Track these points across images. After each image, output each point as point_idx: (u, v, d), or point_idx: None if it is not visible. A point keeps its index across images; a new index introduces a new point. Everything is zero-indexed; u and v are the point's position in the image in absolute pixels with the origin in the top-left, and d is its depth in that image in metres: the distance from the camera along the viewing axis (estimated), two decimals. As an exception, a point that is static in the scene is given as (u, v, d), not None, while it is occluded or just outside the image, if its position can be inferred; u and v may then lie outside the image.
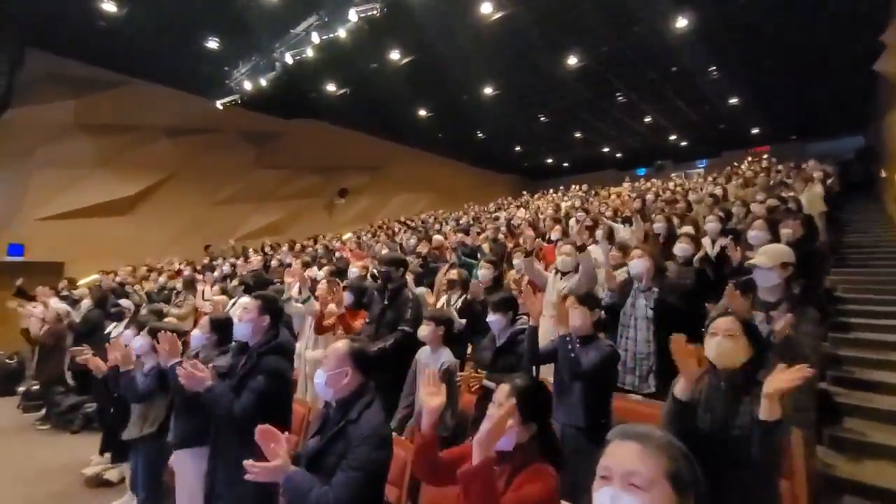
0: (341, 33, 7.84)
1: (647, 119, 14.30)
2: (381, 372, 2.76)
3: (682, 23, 8.39)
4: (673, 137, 16.35)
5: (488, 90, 11.83)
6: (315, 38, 8.08)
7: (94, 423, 4.92)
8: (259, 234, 13.09)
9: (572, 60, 10.12)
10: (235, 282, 5.29)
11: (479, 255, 5.06)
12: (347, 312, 3.74)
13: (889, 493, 2.59)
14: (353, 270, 4.92)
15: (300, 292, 3.58)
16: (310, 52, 8.45)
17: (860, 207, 8.83)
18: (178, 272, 7.91)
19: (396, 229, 10.90)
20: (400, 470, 2.11)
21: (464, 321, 3.42)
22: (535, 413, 1.38)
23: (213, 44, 9.29)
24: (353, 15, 7.43)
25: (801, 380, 1.35)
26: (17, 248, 9.73)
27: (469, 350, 3.38)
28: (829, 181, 7.22)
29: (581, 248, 3.48)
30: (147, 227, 11.43)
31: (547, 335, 2.68)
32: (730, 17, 8.27)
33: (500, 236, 6.45)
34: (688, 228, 3.98)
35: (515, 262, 4.12)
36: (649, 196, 8.13)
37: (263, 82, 9.61)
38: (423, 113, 13.58)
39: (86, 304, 5.93)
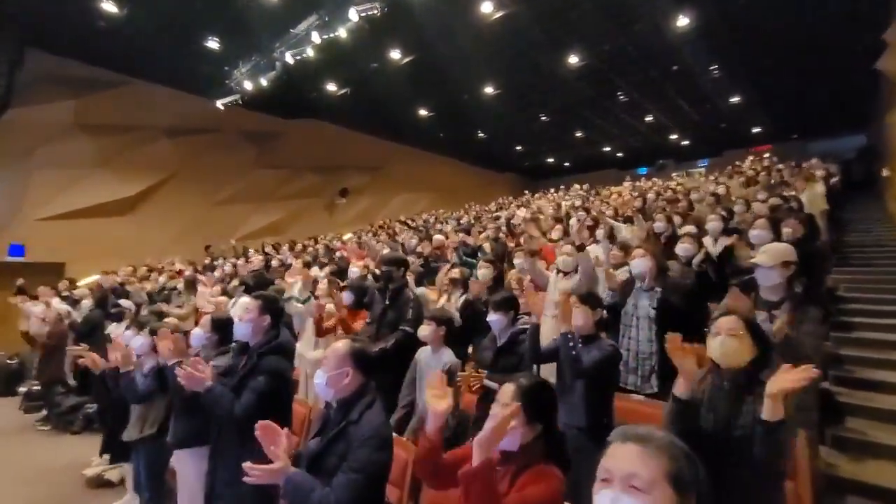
0: (342, 33, 7.84)
1: (649, 118, 14.27)
2: (381, 372, 2.75)
3: (683, 21, 8.37)
4: (674, 137, 16.32)
5: (489, 89, 11.82)
6: (315, 37, 8.07)
7: (95, 423, 4.92)
8: (259, 234, 13.08)
9: (573, 59, 10.10)
10: (235, 282, 5.28)
11: (478, 255, 5.05)
12: (348, 313, 3.73)
13: (892, 493, 2.58)
14: (354, 270, 4.91)
15: (301, 292, 3.57)
16: (310, 52, 8.45)
17: (862, 206, 8.81)
18: (179, 272, 7.90)
19: (397, 229, 10.89)
20: (401, 470, 2.10)
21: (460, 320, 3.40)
22: (540, 413, 1.36)
23: (213, 44, 9.29)
24: (353, 14, 7.43)
25: (806, 380, 1.33)
26: (18, 248, 9.74)
27: (470, 350, 3.37)
28: (833, 180, 7.20)
29: (580, 248, 3.47)
30: (147, 227, 11.43)
31: (549, 334, 2.68)
32: (731, 15, 8.26)
33: (501, 236, 6.43)
34: (689, 228, 3.96)
35: (516, 261, 4.11)
36: (650, 195, 8.11)
37: (264, 82, 9.61)
38: (423, 112, 13.57)
39: (86, 304, 5.93)
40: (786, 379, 1.36)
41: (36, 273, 8.39)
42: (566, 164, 20.39)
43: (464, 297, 3.64)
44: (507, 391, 1.38)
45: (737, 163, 12.38)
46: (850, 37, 8.50)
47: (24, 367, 6.77)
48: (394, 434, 1.78)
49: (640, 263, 2.78)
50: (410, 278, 4.22)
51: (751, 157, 13.26)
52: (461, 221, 9.66)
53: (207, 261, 9.68)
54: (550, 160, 19.83)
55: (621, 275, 3.16)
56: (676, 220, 4.81)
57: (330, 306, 3.66)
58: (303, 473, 1.48)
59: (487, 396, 2.40)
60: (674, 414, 1.57)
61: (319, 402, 2.33)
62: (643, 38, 9.13)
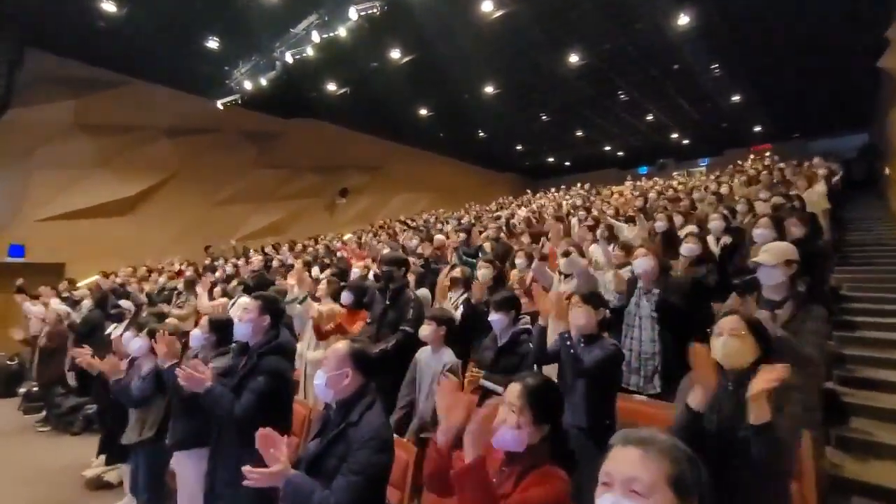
0: (341, 32, 7.82)
1: (649, 117, 14.25)
2: (382, 373, 2.74)
3: (683, 20, 8.35)
4: (674, 136, 16.30)
5: (489, 89, 11.80)
6: (315, 37, 8.05)
7: (95, 424, 4.91)
8: (260, 234, 13.08)
9: (573, 58, 10.08)
10: (235, 282, 5.27)
11: (478, 255, 5.03)
12: (347, 313, 3.71)
13: (897, 494, 2.56)
14: (355, 270, 4.89)
15: (299, 292, 3.56)
16: (310, 52, 8.43)
17: (863, 205, 8.79)
18: (179, 273, 7.89)
19: (398, 229, 10.87)
20: (402, 472, 2.08)
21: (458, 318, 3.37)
22: (547, 414, 1.33)
23: (213, 43, 9.28)
24: (353, 13, 7.41)
25: (776, 380, 1.35)
26: (18, 248, 9.73)
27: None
28: (835, 179, 7.18)
29: (566, 254, 3.46)
30: (148, 227, 11.42)
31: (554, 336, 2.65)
32: (731, 14, 8.24)
33: (502, 236, 6.42)
34: (692, 227, 3.95)
35: (518, 261, 4.09)
36: (652, 194, 8.10)
37: (263, 82, 9.60)
38: (423, 112, 13.55)
39: (86, 304, 5.91)
40: (762, 379, 1.37)
41: (36, 273, 8.40)
42: (566, 163, 20.37)
43: (464, 296, 3.62)
44: (513, 391, 1.35)
45: (738, 162, 12.36)
46: (851, 35, 8.48)
47: (24, 367, 6.77)
48: (394, 435, 1.77)
49: (643, 263, 2.76)
50: (411, 279, 4.20)
51: (752, 156, 13.24)
52: (461, 221, 9.64)
53: (208, 261, 9.67)
54: (551, 160, 19.81)
55: (625, 275, 3.14)
56: (678, 219, 4.79)
57: (327, 307, 3.64)
58: (302, 475, 1.47)
59: (486, 397, 2.38)
60: (684, 424, 1.55)
61: (319, 404, 2.32)
62: (643, 38, 9.11)
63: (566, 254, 3.44)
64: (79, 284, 7.59)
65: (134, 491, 2.92)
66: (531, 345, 2.56)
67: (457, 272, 3.90)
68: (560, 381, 2.28)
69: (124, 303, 5.26)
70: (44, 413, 5.52)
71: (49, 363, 5.38)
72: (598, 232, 4.72)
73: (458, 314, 3.37)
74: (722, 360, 1.59)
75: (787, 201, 5.00)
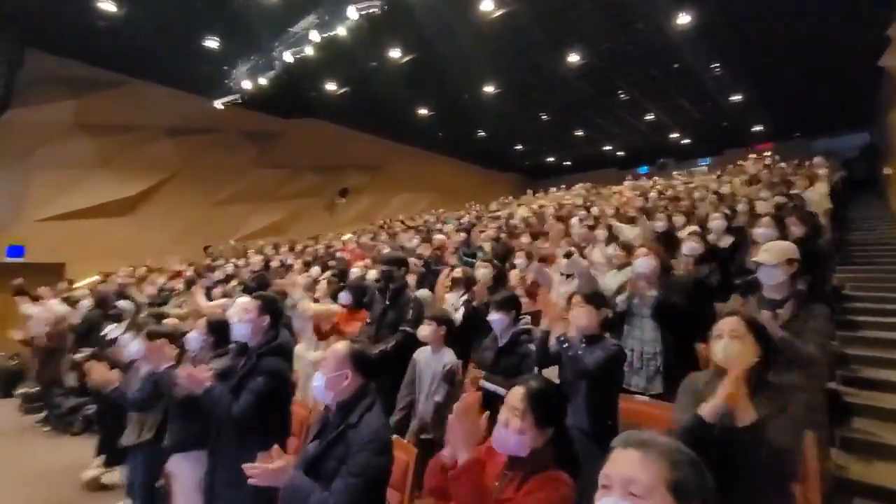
0: (341, 31, 7.81)
1: (649, 117, 14.22)
2: (382, 374, 2.73)
3: (683, 19, 8.32)
4: (675, 135, 16.27)
5: (489, 88, 11.78)
6: (315, 36, 8.04)
7: (95, 425, 4.89)
8: (260, 234, 13.07)
9: (574, 58, 10.06)
10: (234, 282, 5.26)
11: (477, 255, 5.02)
12: (346, 313, 3.70)
13: (901, 495, 2.54)
14: (354, 271, 4.88)
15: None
16: (310, 51, 8.42)
17: (864, 205, 8.77)
18: (179, 273, 7.87)
19: (398, 229, 10.85)
20: (402, 473, 2.07)
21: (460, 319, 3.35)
22: (550, 417, 1.31)
23: (212, 43, 9.26)
24: (352, 13, 7.39)
25: (734, 382, 1.40)
26: (18, 249, 9.72)
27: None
28: (836, 179, 7.16)
29: (568, 255, 3.44)
30: (148, 227, 11.41)
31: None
32: (732, 13, 8.21)
33: (503, 236, 6.41)
34: (694, 227, 3.93)
35: (518, 261, 4.08)
36: (652, 194, 8.08)
37: (263, 81, 9.58)
38: (423, 112, 13.54)
39: (85, 304, 5.90)
40: (728, 382, 1.41)
41: (36, 273, 8.37)
42: (567, 163, 20.34)
43: (465, 297, 3.61)
44: (516, 394, 1.33)
45: (739, 161, 12.33)
46: (851, 34, 8.45)
47: (25, 367, 6.75)
48: (394, 436, 1.75)
49: (644, 263, 2.74)
50: (412, 279, 4.19)
51: (752, 156, 13.20)
52: (462, 221, 9.62)
53: (208, 261, 9.66)
54: (551, 159, 19.78)
55: (627, 275, 3.11)
56: (680, 219, 4.78)
57: (324, 307, 3.63)
58: (302, 476, 1.45)
59: (486, 398, 2.36)
60: (689, 428, 1.53)
61: (319, 404, 2.31)
62: (644, 37, 9.09)
63: (568, 255, 3.43)
64: (76, 285, 7.58)
65: (130, 493, 2.90)
66: (531, 345, 2.55)
67: (457, 272, 3.88)
68: (560, 382, 2.26)
69: (122, 303, 5.25)
70: (44, 413, 5.51)
71: (48, 362, 5.37)
72: (598, 232, 4.71)
73: (459, 316, 3.35)
74: (723, 362, 1.57)
75: (789, 200, 4.99)
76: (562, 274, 3.36)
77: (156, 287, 6.82)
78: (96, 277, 7.98)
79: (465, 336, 3.18)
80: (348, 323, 3.60)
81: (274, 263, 7.58)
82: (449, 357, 2.79)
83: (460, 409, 1.22)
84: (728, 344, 1.55)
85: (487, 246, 5.85)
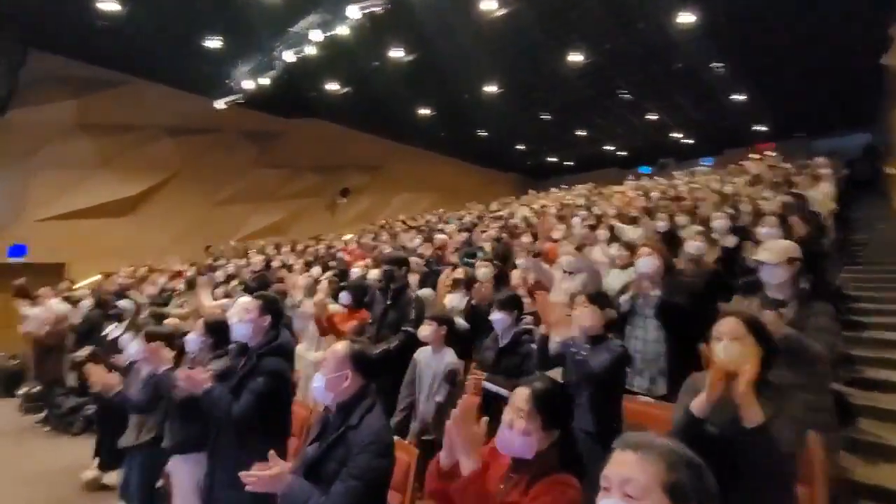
0: (342, 31, 7.80)
1: (651, 116, 14.20)
2: (383, 374, 2.71)
3: (685, 19, 8.29)
4: (676, 135, 16.24)
5: (490, 88, 11.75)
6: (316, 36, 8.03)
7: (95, 425, 4.88)
8: (261, 234, 13.07)
9: (575, 57, 10.03)
10: (235, 282, 5.25)
11: (477, 255, 5.00)
12: (346, 313, 3.68)
13: (906, 497, 2.52)
14: (355, 271, 4.87)
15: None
16: (310, 51, 8.41)
17: (866, 205, 8.74)
18: (179, 273, 7.86)
19: (398, 229, 10.83)
20: (403, 474, 2.05)
21: (467, 325, 3.34)
22: (556, 419, 1.29)
23: (213, 43, 9.25)
24: (353, 12, 7.38)
25: (753, 373, 1.39)
26: (19, 248, 9.73)
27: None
28: (840, 178, 7.13)
29: (579, 249, 3.42)
30: (148, 227, 11.42)
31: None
32: (733, 13, 8.19)
33: (504, 236, 6.39)
34: (697, 227, 3.92)
35: (519, 261, 4.06)
36: (655, 194, 8.06)
37: (264, 81, 9.58)
38: (424, 111, 13.52)
39: (85, 304, 5.90)
40: (742, 380, 1.37)
41: (37, 274, 8.37)
42: (568, 163, 20.31)
43: (467, 300, 3.59)
44: (521, 395, 1.30)
45: (741, 161, 12.29)
46: (853, 33, 8.42)
47: (25, 368, 6.75)
48: (396, 437, 1.74)
49: (647, 262, 2.72)
50: (415, 278, 4.18)
51: (754, 156, 13.16)
52: (463, 221, 9.61)
53: (210, 261, 9.65)
54: (552, 159, 19.76)
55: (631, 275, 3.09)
56: (682, 219, 4.76)
57: (318, 297, 3.61)
58: (300, 480, 1.44)
59: (487, 399, 2.34)
60: (682, 427, 1.52)
61: (320, 405, 2.29)
62: (645, 37, 9.07)
63: (579, 248, 3.40)
64: (77, 285, 7.57)
65: (125, 496, 2.88)
66: (533, 345, 2.53)
67: (459, 273, 3.87)
68: (565, 384, 2.24)
69: (122, 303, 5.24)
70: (44, 413, 5.50)
71: (46, 360, 5.37)
72: (599, 232, 4.68)
73: (460, 318, 3.33)
74: (724, 364, 1.56)
75: (795, 199, 4.96)
76: (564, 271, 3.34)
77: (157, 287, 6.82)
78: (97, 277, 7.98)
79: (466, 337, 3.17)
80: (346, 322, 3.59)
81: (275, 263, 7.57)
82: (450, 357, 2.77)
83: (459, 414, 1.20)
84: (728, 346, 1.53)
85: (488, 246, 5.84)
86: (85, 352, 4.34)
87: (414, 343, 2.98)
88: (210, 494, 2.09)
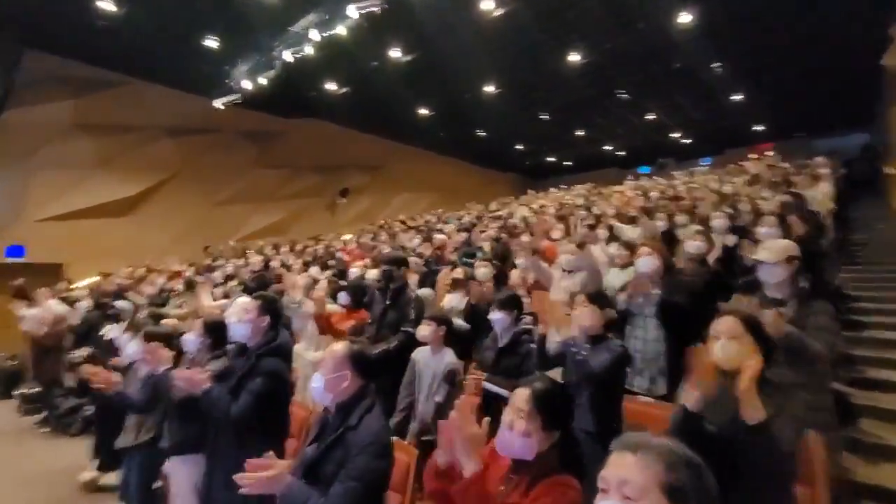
0: (341, 31, 7.79)
1: (650, 116, 14.20)
2: (383, 374, 2.70)
3: (685, 18, 8.29)
4: (675, 135, 16.25)
5: (490, 88, 11.75)
6: (315, 35, 8.02)
7: (94, 426, 4.87)
8: (260, 234, 13.05)
9: (574, 57, 10.03)
10: (234, 282, 5.24)
11: (476, 255, 5.00)
12: (345, 313, 3.67)
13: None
14: (354, 271, 4.86)
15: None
16: (310, 51, 8.40)
17: (864, 205, 8.74)
18: (178, 273, 7.85)
19: (398, 229, 10.82)
20: (402, 475, 2.04)
21: (468, 326, 3.33)
22: (556, 420, 1.28)
23: (212, 43, 9.24)
24: (352, 12, 7.37)
25: (756, 370, 1.38)
26: (18, 249, 9.71)
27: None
28: (838, 178, 7.13)
29: (581, 247, 3.42)
30: (148, 227, 11.40)
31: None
32: (732, 12, 8.18)
33: (503, 235, 6.39)
34: (696, 226, 3.91)
35: (518, 261, 4.05)
36: (654, 193, 8.05)
37: (263, 81, 9.57)
38: (424, 111, 13.52)
39: (83, 304, 5.89)
40: (745, 376, 1.37)
41: (36, 274, 8.34)
42: (567, 163, 20.31)
43: (467, 300, 3.58)
44: (521, 396, 1.29)
45: (740, 161, 12.28)
46: (852, 33, 8.42)
47: (24, 368, 6.73)
48: (395, 438, 1.73)
49: (647, 262, 2.72)
50: (414, 278, 4.17)
51: (753, 155, 13.15)
52: (462, 221, 9.60)
53: (210, 261, 9.64)
54: (552, 159, 19.76)
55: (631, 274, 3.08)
56: (681, 218, 4.75)
57: (317, 294, 3.61)
58: (298, 482, 1.43)
59: (487, 400, 2.33)
60: (678, 423, 1.52)
61: (319, 406, 2.28)
62: (644, 36, 9.06)
63: (581, 246, 3.39)
64: (76, 285, 7.56)
65: (124, 496, 2.87)
66: (533, 345, 2.52)
67: (458, 273, 3.86)
68: (565, 384, 2.24)
69: (120, 303, 5.23)
70: (43, 414, 5.49)
71: (44, 361, 5.35)
72: (599, 231, 4.68)
73: (459, 319, 3.32)
74: (722, 363, 1.55)
75: (794, 199, 4.96)
76: (564, 270, 3.33)
77: (155, 287, 6.81)
78: (95, 278, 7.96)
79: (465, 337, 3.16)
80: (345, 322, 3.58)
81: (274, 263, 7.56)
82: (450, 357, 2.76)
83: (458, 415, 1.19)
84: (725, 345, 1.53)
85: (487, 246, 5.83)
86: (83, 352, 4.33)
87: (413, 343, 2.97)
88: (208, 495, 2.08)
